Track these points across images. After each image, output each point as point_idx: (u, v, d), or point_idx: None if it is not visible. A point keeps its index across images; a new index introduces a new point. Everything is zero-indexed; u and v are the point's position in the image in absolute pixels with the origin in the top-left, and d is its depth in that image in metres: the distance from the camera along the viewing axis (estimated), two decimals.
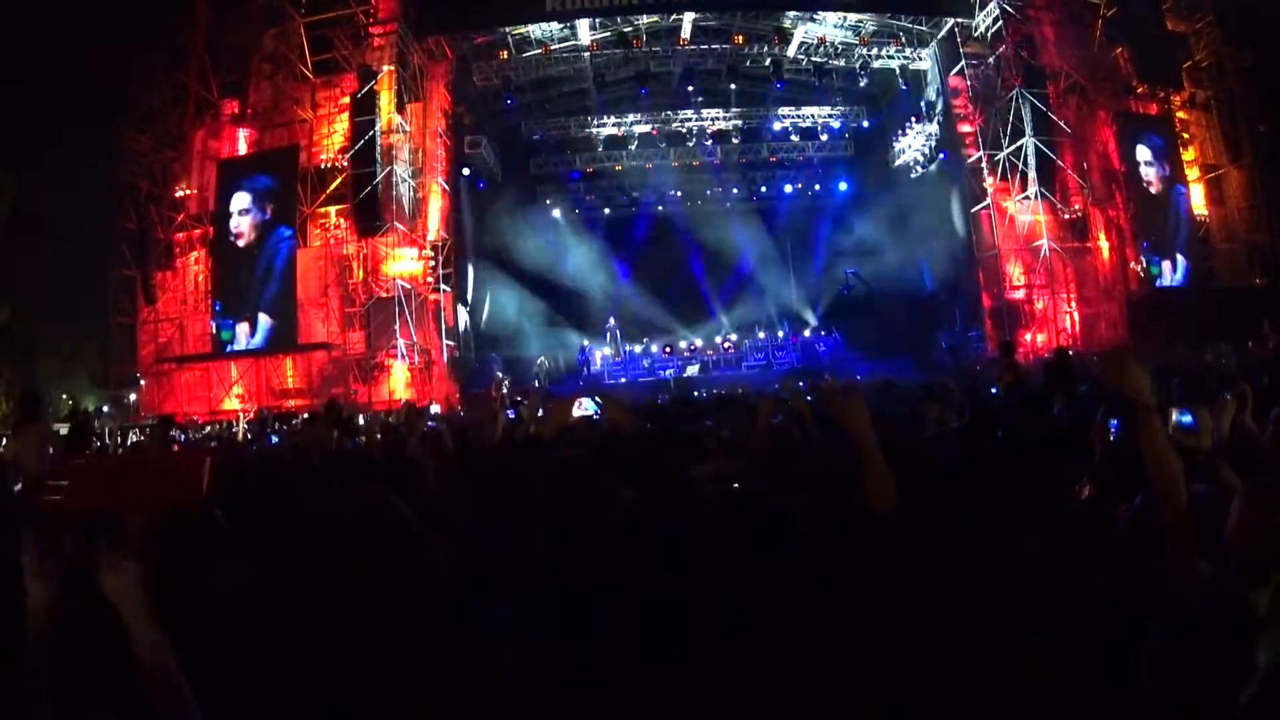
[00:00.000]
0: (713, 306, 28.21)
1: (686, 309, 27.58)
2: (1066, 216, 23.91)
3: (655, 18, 23.80)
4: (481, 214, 25.98)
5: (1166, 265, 24.24)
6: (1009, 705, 2.52)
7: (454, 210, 23.64)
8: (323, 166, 22.21)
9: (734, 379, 22.53)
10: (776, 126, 28.10)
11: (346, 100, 21.93)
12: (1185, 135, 25.98)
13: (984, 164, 23.85)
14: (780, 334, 26.64)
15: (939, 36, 24.41)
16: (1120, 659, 2.21)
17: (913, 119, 26.07)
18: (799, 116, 27.91)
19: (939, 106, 24.97)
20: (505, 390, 19.96)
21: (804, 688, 2.50)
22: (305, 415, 18.27)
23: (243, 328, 21.78)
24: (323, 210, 22.17)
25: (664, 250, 28.47)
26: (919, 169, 26.32)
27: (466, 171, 24.40)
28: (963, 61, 23.98)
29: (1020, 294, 23.58)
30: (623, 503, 3.09)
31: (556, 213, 28.67)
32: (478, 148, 24.76)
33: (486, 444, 5.89)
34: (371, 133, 21.18)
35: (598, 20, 23.36)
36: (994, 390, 9.62)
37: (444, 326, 22.44)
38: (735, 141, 28.34)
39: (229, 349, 21.96)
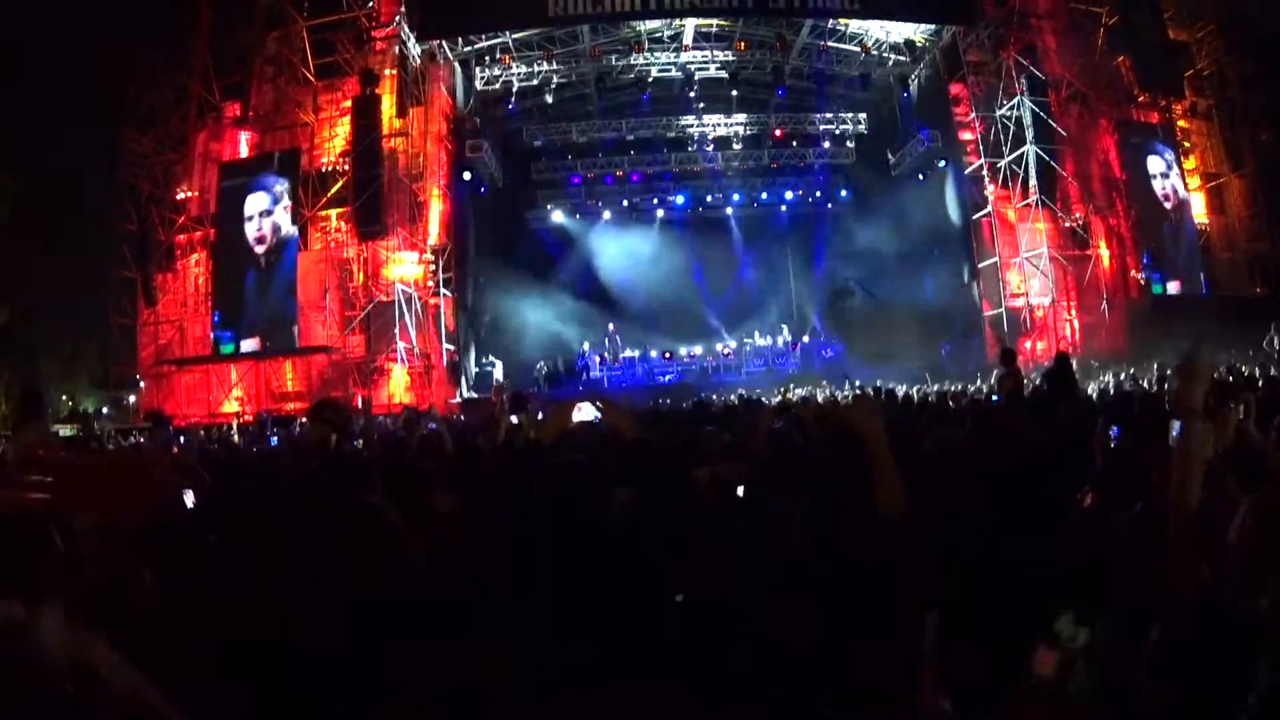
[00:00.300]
0: (713, 312, 28.18)
1: (686, 314, 27.55)
2: (1067, 224, 23.94)
3: (657, 24, 23.86)
4: (482, 218, 25.97)
5: (1166, 274, 24.23)
6: (1011, 708, 2.51)
7: (455, 214, 23.65)
8: (324, 170, 22.23)
9: (733, 385, 22.50)
10: (777, 133, 28.10)
11: (348, 104, 21.98)
12: (1186, 144, 26.01)
13: (985, 172, 23.90)
14: (780, 340, 26.60)
15: (941, 44, 24.43)
16: (1123, 664, 2.21)
17: (914, 126, 26.11)
18: (800, 123, 27.89)
19: (940, 114, 25.00)
20: (505, 395, 19.93)
21: (804, 691, 2.49)
22: (304, 419, 18.26)
23: (249, 343, 21.74)
24: (324, 213, 22.18)
25: (664, 255, 28.46)
26: (919, 176, 26.33)
27: (467, 176, 24.40)
28: (964, 69, 24.03)
29: (1020, 301, 23.60)
30: (621, 504, 3.08)
31: (557, 217, 28.65)
32: (479, 152, 24.75)
33: (487, 447, 5.89)
34: (373, 136, 21.22)
35: (599, 25, 23.39)
36: (995, 398, 9.62)
37: (444, 331, 22.44)
38: (736, 147, 28.33)
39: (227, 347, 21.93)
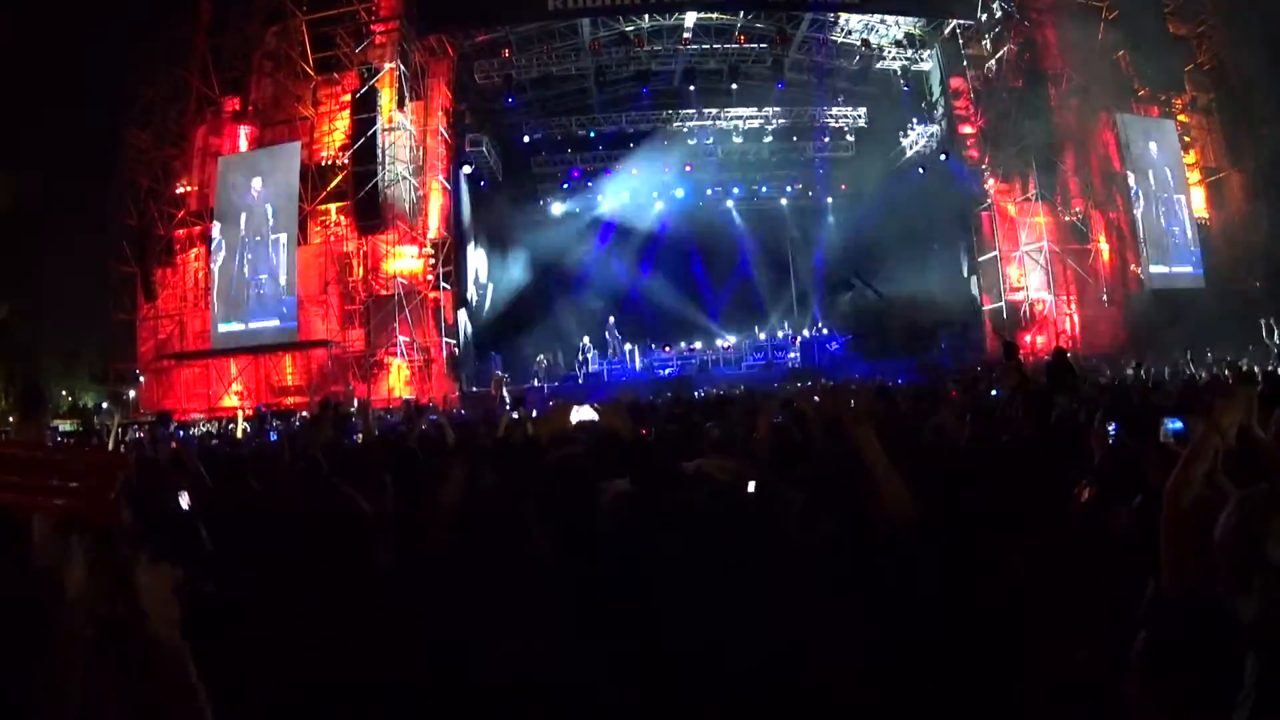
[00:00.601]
0: (713, 306, 28.17)
1: (686, 308, 27.54)
2: (1067, 218, 23.95)
3: (657, 17, 23.82)
4: (482, 212, 25.95)
5: (1166, 268, 24.24)
6: (1014, 706, 2.52)
7: (454, 208, 23.62)
8: (323, 164, 22.22)
9: (733, 379, 22.49)
10: (778, 126, 28.07)
11: (347, 98, 21.96)
12: (1186, 138, 26.00)
13: (985, 165, 23.88)
14: (780, 334, 26.59)
15: (941, 37, 24.39)
16: (1123, 659, 2.22)
17: (914, 120, 26.09)
18: (800, 116, 27.85)
19: (940, 108, 24.98)
20: (505, 388, 19.95)
21: (804, 689, 2.50)
22: (304, 415, 18.27)
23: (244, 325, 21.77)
24: (323, 207, 22.17)
25: (665, 249, 28.46)
26: (920, 170, 26.31)
27: (467, 170, 24.36)
28: (965, 63, 24.00)
29: (1020, 295, 23.61)
30: (615, 496, 3.09)
31: (557, 211, 28.62)
32: (478, 146, 24.75)
33: (487, 441, 5.90)
34: (372, 130, 21.21)
35: (599, 19, 23.36)
36: (994, 392, 9.62)
37: (443, 324, 22.43)
38: (736, 141, 28.34)
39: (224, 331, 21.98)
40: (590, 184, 28.45)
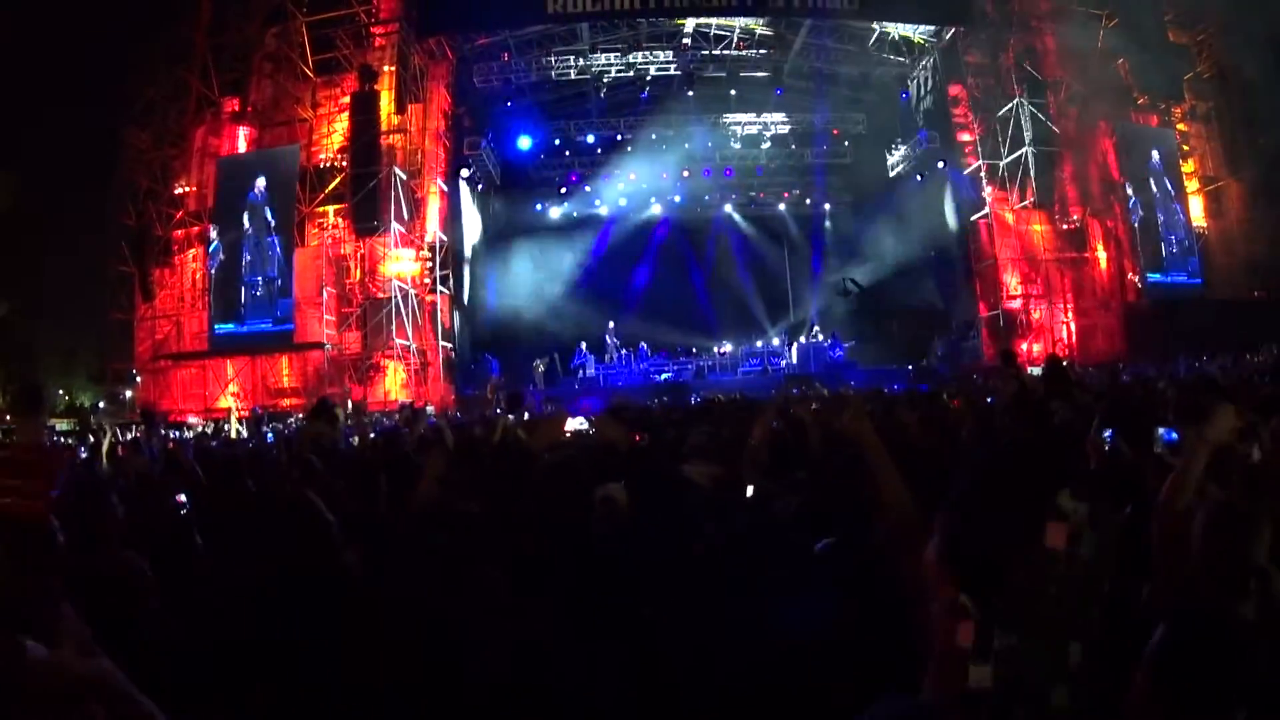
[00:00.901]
0: (709, 311, 28.14)
1: (683, 313, 27.50)
2: (1065, 226, 23.99)
3: (656, 22, 23.84)
4: (480, 216, 25.97)
5: (1164, 277, 24.26)
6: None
7: (452, 212, 23.64)
8: (322, 166, 22.23)
9: (729, 384, 22.49)
10: (776, 133, 28.09)
11: (347, 100, 21.98)
12: (1185, 147, 26.04)
13: (983, 173, 23.91)
14: (776, 341, 26.59)
15: (941, 45, 24.42)
16: (1116, 662, 2.20)
17: (912, 127, 26.12)
18: (799, 122, 27.86)
19: (939, 115, 24.99)
20: (500, 392, 19.92)
21: (804, 688, 2.50)
22: (301, 416, 18.24)
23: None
24: (321, 209, 22.16)
25: (662, 254, 28.47)
26: (918, 177, 26.34)
27: (466, 173, 24.38)
28: (964, 70, 24.02)
29: (1017, 303, 23.62)
30: (611, 504, 3.08)
31: (555, 215, 28.62)
32: (477, 149, 24.75)
33: (483, 445, 5.90)
34: (371, 133, 21.24)
35: (598, 24, 23.38)
36: (989, 400, 9.61)
37: (440, 328, 22.43)
38: (735, 146, 28.33)
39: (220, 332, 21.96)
40: (588, 188, 28.43)
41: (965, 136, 24.54)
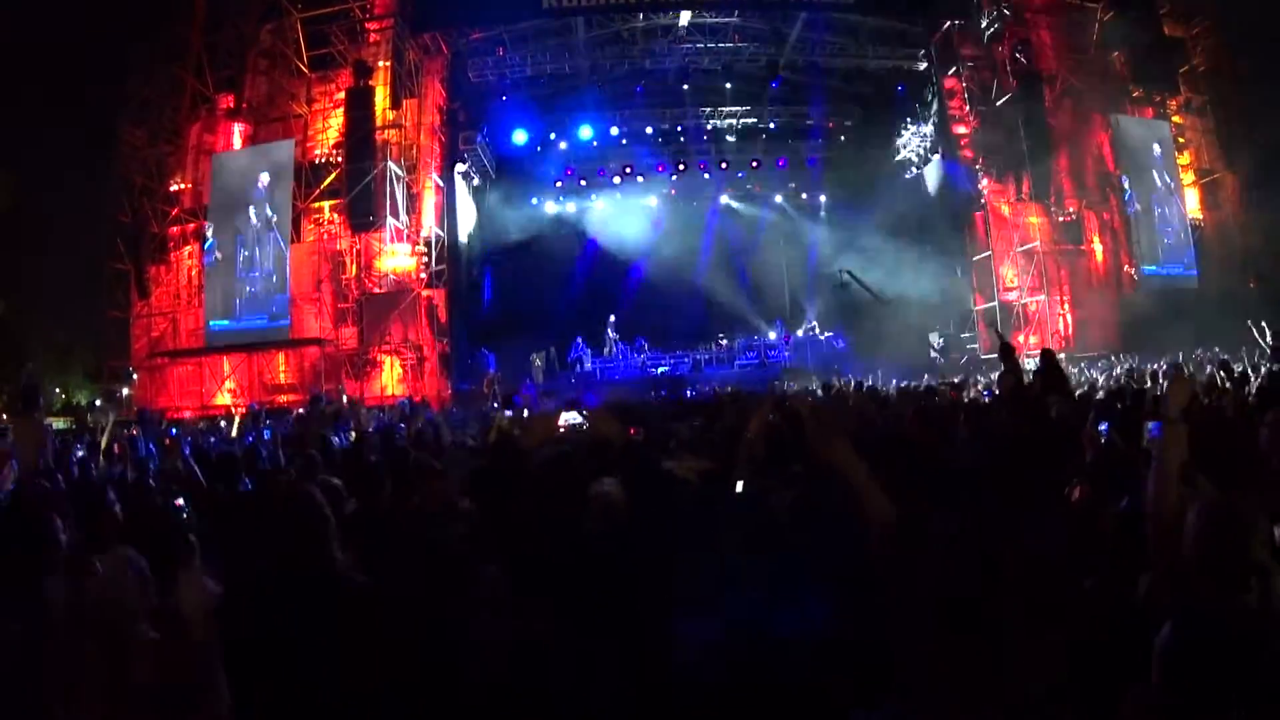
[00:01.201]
0: (706, 304, 28.14)
1: (680, 306, 27.50)
2: (1060, 219, 23.99)
3: (651, 16, 23.81)
4: (475, 210, 25.94)
5: (1159, 269, 24.29)
6: (1007, 702, 2.52)
7: (448, 206, 23.60)
8: (317, 161, 22.15)
9: (726, 377, 22.51)
10: (772, 125, 28.06)
11: (342, 95, 21.88)
12: (1181, 140, 26.03)
13: (978, 165, 23.90)
14: (773, 334, 26.61)
15: (936, 38, 24.39)
16: (1114, 654, 2.22)
17: (908, 120, 26.12)
18: (795, 115, 27.84)
19: (935, 108, 24.99)
20: (497, 386, 19.93)
21: (803, 687, 2.51)
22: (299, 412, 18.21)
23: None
24: (316, 205, 22.11)
25: (658, 248, 28.43)
26: (914, 170, 26.35)
27: (461, 168, 24.35)
28: (959, 63, 24.01)
29: (1014, 296, 23.63)
30: (606, 500, 3.09)
31: (550, 210, 28.59)
32: (473, 144, 24.72)
33: (478, 442, 5.91)
34: (366, 128, 21.19)
35: (594, 18, 23.33)
36: (985, 394, 9.63)
37: (437, 323, 22.41)
38: (730, 140, 28.29)
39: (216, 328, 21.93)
40: (584, 182, 28.43)
41: (960, 129, 24.53)
